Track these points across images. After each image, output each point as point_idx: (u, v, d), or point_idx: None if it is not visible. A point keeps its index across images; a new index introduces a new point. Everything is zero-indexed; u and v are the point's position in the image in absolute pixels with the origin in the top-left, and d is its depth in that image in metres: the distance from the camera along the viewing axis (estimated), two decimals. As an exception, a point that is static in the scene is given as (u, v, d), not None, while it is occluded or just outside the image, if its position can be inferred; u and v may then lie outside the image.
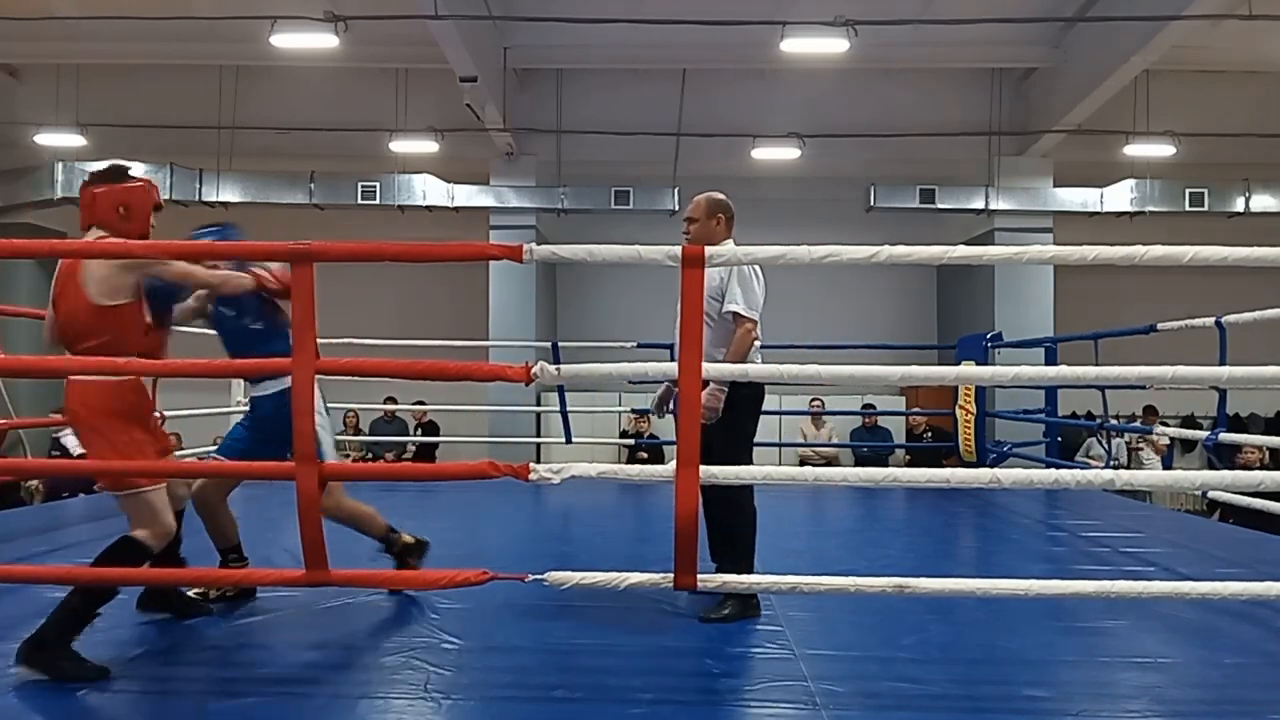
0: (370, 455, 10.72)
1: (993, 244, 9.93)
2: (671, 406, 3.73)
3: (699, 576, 2.69)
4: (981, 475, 2.82)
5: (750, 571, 3.35)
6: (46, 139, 10.84)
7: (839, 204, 11.52)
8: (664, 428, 9.70)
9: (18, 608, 3.31)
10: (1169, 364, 2.71)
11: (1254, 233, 9.43)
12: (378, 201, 11.04)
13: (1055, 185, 11.17)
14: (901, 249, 2.66)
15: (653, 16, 8.86)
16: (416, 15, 7.74)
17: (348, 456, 10.43)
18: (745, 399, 3.40)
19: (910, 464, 10.37)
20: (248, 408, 3.62)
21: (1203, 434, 5.71)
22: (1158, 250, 2.60)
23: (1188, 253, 2.60)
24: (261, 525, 5.49)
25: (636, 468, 3.04)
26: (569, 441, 8.17)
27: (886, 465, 9.20)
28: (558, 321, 12.81)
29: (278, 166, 11.26)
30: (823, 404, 10.01)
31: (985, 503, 6.50)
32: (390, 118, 10.72)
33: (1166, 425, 9.27)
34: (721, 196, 3.55)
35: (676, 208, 10.88)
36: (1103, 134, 10.37)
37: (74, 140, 10.82)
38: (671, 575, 2.69)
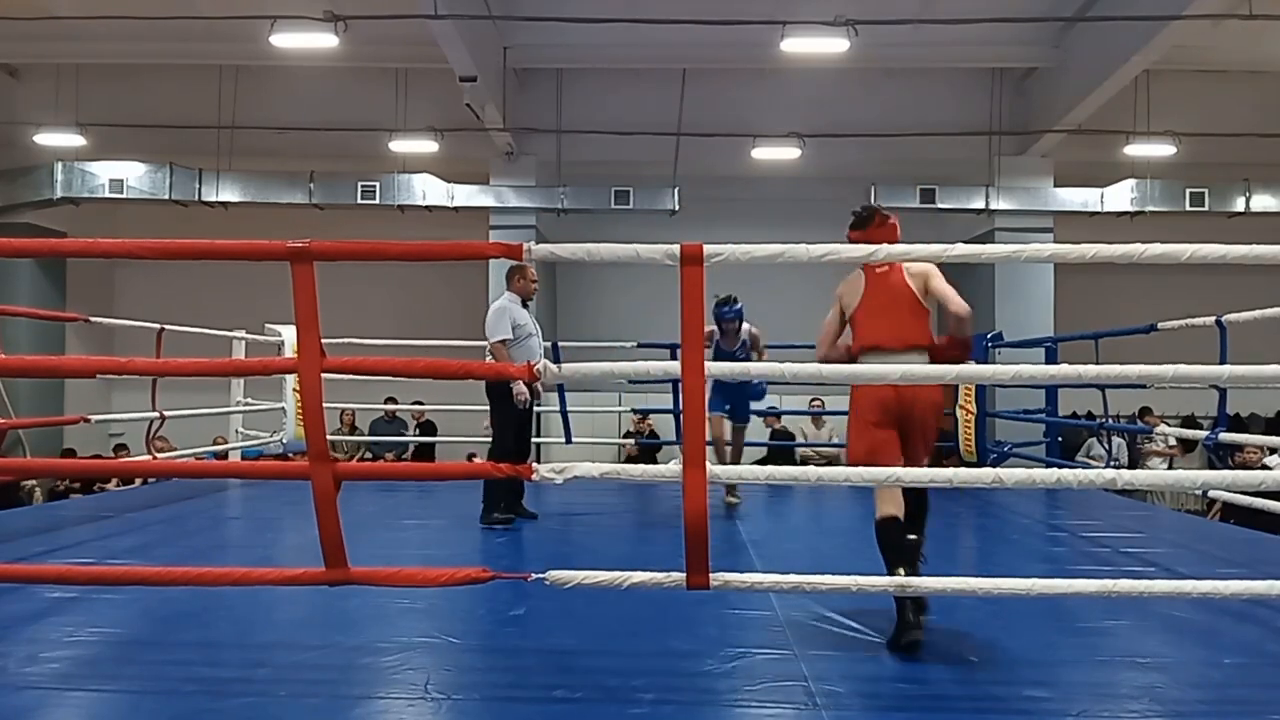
0: (369, 455, 10.72)
1: (993, 244, 9.92)
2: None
3: (711, 575, 2.61)
4: (984, 475, 2.80)
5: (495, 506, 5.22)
6: (46, 139, 10.83)
7: (839, 204, 11.33)
8: (663, 427, 9.70)
9: (18, 608, 3.32)
10: (1169, 364, 2.69)
11: (1254, 233, 9.30)
12: (378, 201, 11.03)
13: (1055, 185, 11.16)
14: (900, 247, 2.65)
15: (653, 16, 8.85)
16: (416, 15, 7.74)
17: (348, 455, 10.44)
18: (505, 393, 5.15)
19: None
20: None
21: (1203, 434, 5.71)
22: (1156, 248, 2.57)
23: (1186, 250, 2.56)
24: (260, 525, 5.61)
25: (640, 467, 3.03)
26: (569, 442, 8.17)
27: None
28: (557, 322, 12.80)
29: (278, 166, 11.25)
30: (823, 404, 10.00)
31: (985, 502, 6.50)
32: (390, 118, 10.71)
33: (1167, 425, 9.27)
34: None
35: (677, 208, 10.86)
36: (1103, 134, 10.36)
37: (74, 140, 10.80)
38: (680, 575, 2.63)
